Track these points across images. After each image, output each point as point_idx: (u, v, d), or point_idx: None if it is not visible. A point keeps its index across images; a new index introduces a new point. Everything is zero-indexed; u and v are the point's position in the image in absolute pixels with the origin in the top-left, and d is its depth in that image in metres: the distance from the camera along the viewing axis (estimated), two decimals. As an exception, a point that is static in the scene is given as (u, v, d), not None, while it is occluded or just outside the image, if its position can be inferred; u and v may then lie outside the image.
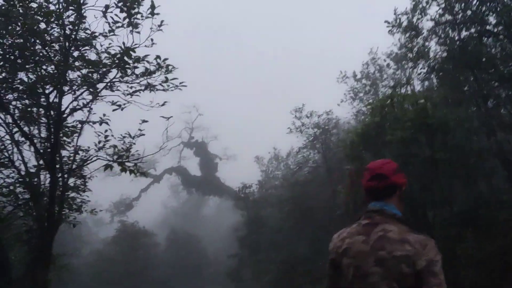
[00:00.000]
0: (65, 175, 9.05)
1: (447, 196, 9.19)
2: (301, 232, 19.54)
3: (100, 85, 8.83)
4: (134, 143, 8.82)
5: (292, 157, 33.74)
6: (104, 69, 8.53)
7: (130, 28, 7.72)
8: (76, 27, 7.95)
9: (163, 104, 8.34)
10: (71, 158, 9.27)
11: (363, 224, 2.12)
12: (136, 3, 7.59)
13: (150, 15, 7.63)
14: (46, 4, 7.69)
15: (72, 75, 8.85)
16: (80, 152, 9.51)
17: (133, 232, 34.57)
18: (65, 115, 8.95)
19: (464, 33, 10.78)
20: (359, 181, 10.92)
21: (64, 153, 9.60)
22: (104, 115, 9.02)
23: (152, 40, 7.77)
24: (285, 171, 33.00)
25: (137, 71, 8.00)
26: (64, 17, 7.74)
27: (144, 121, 8.51)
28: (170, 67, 7.70)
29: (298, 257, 18.10)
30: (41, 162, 9.19)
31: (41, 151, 8.91)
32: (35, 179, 9.28)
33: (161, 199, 70.60)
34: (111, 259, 32.70)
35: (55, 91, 8.70)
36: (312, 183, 20.49)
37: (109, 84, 8.77)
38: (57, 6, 7.80)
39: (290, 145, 34.95)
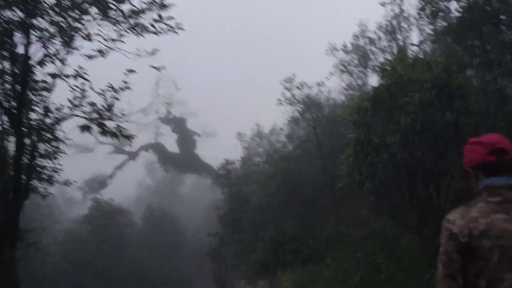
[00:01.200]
0: (34, 138, 7.67)
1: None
2: (289, 209, 18.71)
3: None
4: (118, 99, 7.48)
5: (276, 134, 32.83)
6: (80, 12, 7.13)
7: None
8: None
9: (153, 53, 7.03)
10: (41, 119, 7.86)
11: (496, 202, 1.93)
12: None
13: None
14: None
15: (43, 23, 7.44)
16: (51, 112, 8.10)
17: (107, 210, 33.00)
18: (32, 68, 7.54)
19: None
20: (365, 150, 9.99)
21: (33, 115, 8.20)
22: (80, 67, 7.65)
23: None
24: (268, 148, 32.00)
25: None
26: None
27: (131, 71, 7.18)
28: (165, 2, 6.38)
29: (287, 235, 17.24)
30: (5, 123, 7.78)
31: (6, 110, 7.49)
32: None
33: (137, 177, 68.78)
34: (83, 238, 31.18)
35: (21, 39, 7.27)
36: (301, 157, 19.57)
37: (86, 31, 7.38)
38: None
39: (273, 122, 34.10)
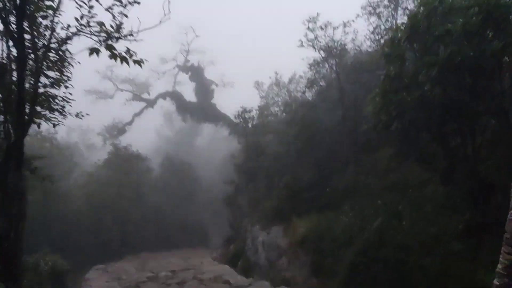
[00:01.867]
0: (38, 53, 7.17)
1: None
2: (306, 157, 18.21)
3: None
4: (126, 16, 6.83)
5: (295, 83, 31.82)
6: None
7: None
8: None
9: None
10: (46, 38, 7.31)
11: None
12: None
13: None
14: None
15: None
16: (56, 32, 7.52)
17: (126, 156, 33.29)
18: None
19: None
20: (395, 88, 9.21)
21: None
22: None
23: None
24: (286, 97, 31.13)
25: None
26: None
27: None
28: None
29: (303, 183, 16.87)
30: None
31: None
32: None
33: (155, 126, 69.25)
34: (103, 182, 31.73)
35: None
36: (321, 104, 18.79)
37: None
38: None
39: (292, 71, 32.96)
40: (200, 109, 43.05)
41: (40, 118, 8.23)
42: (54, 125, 8.67)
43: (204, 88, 44.02)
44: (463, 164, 9.26)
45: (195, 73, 44.06)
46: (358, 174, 16.53)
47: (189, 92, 45.12)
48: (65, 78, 8.11)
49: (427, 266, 8.66)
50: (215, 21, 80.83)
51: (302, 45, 18.12)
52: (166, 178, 40.30)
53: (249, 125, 26.80)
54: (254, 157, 26.06)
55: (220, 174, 49.06)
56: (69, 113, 9.14)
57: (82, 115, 9.62)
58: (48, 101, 8.09)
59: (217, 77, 47.25)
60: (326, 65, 19.13)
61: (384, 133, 14.07)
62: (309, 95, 27.61)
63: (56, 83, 8.21)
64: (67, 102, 8.51)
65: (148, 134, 69.01)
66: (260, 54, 66.29)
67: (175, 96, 44.26)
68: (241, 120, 26.60)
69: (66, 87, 8.45)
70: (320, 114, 18.24)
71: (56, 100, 8.31)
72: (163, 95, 44.59)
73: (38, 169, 9.30)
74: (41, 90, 8.17)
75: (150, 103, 45.04)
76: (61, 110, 8.48)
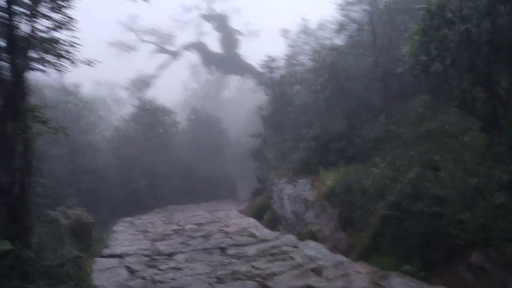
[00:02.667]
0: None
1: None
2: (335, 107, 17.24)
3: None
4: None
5: (323, 30, 30.11)
6: None
7: None
8: None
9: None
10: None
11: None
12: None
13: None
14: None
15: None
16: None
17: (151, 109, 33.12)
18: None
19: None
20: (436, 25, 8.05)
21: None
22: None
23: None
24: (314, 45, 29.55)
25: None
26: None
27: None
28: None
29: (331, 134, 16.04)
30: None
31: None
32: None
33: (181, 79, 68.78)
34: (131, 136, 31.91)
35: None
36: (353, 49, 17.47)
37: None
38: None
39: (321, 17, 31.17)
40: (226, 60, 41.96)
41: (40, 63, 7.66)
42: (59, 71, 8.11)
43: (229, 38, 42.66)
44: (510, 110, 8.19)
45: (220, 22, 42.59)
46: (390, 123, 15.51)
47: (214, 43, 43.96)
48: (66, 20, 7.42)
49: (466, 220, 7.88)
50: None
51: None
52: (192, 131, 40.25)
53: (276, 75, 25.65)
54: (281, 108, 25.21)
55: (247, 127, 48.64)
56: (78, 60, 8.55)
57: (93, 63, 9.00)
58: (49, 45, 7.47)
59: (243, 26, 45.73)
60: (357, 7, 17.56)
61: (421, 77, 12.92)
62: (338, 40, 26.08)
63: (58, 25, 7.53)
64: (73, 46, 7.88)
65: (174, 87, 68.81)
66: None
67: (200, 47, 43.19)
68: (267, 70, 25.46)
69: (70, 29, 7.79)
70: (350, 60, 16.99)
71: (59, 45, 7.67)
72: (187, 46, 43.62)
73: (50, 120, 8.90)
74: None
75: (175, 55, 44.30)
76: (66, 56, 7.87)
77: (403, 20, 15.52)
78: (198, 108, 42.56)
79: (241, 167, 44.48)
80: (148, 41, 44.35)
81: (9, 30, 6.09)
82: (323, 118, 17.20)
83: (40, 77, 30.38)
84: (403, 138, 13.99)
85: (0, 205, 6.38)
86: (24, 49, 6.59)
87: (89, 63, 8.92)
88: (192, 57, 48.36)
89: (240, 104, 68.46)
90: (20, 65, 6.47)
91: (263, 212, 16.93)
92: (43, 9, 7.56)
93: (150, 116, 32.72)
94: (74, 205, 16.54)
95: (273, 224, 15.15)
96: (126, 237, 14.18)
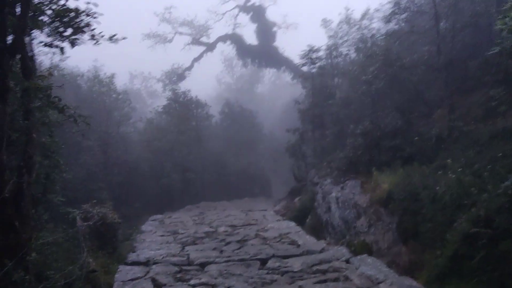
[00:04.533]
0: None
1: None
2: (388, 99, 15.33)
3: None
4: None
5: (369, 19, 27.89)
6: None
7: None
8: None
9: None
10: None
11: None
12: None
13: None
14: None
15: None
16: None
17: (184, 102, 32.04)
18: None
19: None
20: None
21: None
22: None
23: None
24: (359, 35, 27.47)
25: None
26: None
27: None
28: None
29: (384, 130, 14.17)
30: None
31: None
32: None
33: (215, 73, 67.92)
34: (163, 128, 30.98)
35: None
36: (410, 35, 15.44)
37: None
38: None
39: (366, 5, 28.86)
40: (262, 53, 40.35)
41: (39, 28, 6.32)
42: (73, 45, 6.78)
43: (265, 30, 40.98)
44: None
45: (256, 13, 40.97)
46: (454, 119, 13.49)
47: (250, 35, 42.40)
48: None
49: None
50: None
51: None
52: (225, 125, 39.04)
53: (317, 66, 23.84)
54: (321, 102, 23.41)
55: (282, 122, 46.90)
56: (98, 36, 7.19)
57: (116, 39, 7.62)
58: (63, 15, 6.14)
59: (280, 18, 43.90)
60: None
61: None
62: (386, 30, 23.99)
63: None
64: (91, 17, 6.52)
65: (208, 80, 68.01)
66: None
67: (235, 39, 41.75)
68: (308, 61, 23.69)
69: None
70: (406, 46, 15.02)
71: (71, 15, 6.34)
72: (223, 38, 42.27)
73: (68, 108, 7.63)
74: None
75: (210, 47, 43.07)
76: (83, 28, 6.52)
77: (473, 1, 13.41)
78: (232, 102, 41.27)
79: (275, 163, 42.91)
80: (183, 33, 43.38)
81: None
82: (373, 112, 15.30)
83: (75, 66, 30.03)
84: (473, 137, 11.99)
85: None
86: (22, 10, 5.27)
87: (112, 38, 7.54)
88: (227, 50, 47.09)
89: (275, 99, 66.90)
90: (16, 25, 5.13)
91: (304, 215, 15.29)
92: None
93: (183, 109, 31.67)
94: (103, 200, 15.57)
95: (317, 230, 13.49)
96: (154, 238, 12.94)
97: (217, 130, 37.15)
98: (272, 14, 42.66)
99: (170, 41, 43.23)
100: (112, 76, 28.26)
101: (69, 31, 6.98)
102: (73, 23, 6.49)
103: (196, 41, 43.29)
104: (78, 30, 6.78)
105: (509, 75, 12.08)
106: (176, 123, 30.55)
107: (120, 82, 31.32)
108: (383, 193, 11.46)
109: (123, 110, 28.94)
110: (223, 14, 42.50)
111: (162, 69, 44.00)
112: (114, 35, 7.68)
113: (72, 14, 6.52)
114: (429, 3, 14.51)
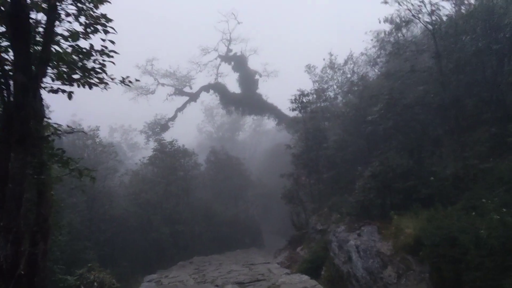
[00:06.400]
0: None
1: None
2: (394, 139, 14.90)
3: None
4: None
5: (352, 64, 28.30)
6: None
7: None
8: None
9: None
10: None
11: None
12: None
13: None
14: None
15: None
16: None
17: (171, 152, 31.05)
18: None
19: None
20: None
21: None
22: None
23: None
24: (343, 79, 27.77)
25: None
26: None
27: None
28: None
29: (395, 171, 13.58)
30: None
31: None
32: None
33: (196, 122, 67.77)
34: (150, 180, 29.67)
35: None
36: (411, 74, 15.33)
37: None
38: None
39: (348, 51, 29.42)
40: (245, 100, 40.34)
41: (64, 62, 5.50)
42: (90, 87, 5.99)
43: (248, 78, 41.28)
44: None
45: (238, 62, 41.40)
46: (468, 157, 13.07)
47: (232, 84, 42.76)
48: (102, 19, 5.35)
49: None
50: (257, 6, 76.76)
51: (385, 2, 14.75)
52: (213, 173, 38.02)
53: (308, 110, 23.61)
54: (315, 145, 22.96)
55: (267, 168, 46.37)
56: (112, 78, 6.44)
57: (130, 81, 6.88)
58: (76, 57, 5.37)
59: (260, 66, 44.53)
60: (413, 27, 15.63)
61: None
62: (372, 73, 24.27)
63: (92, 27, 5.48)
64: (108, 55, 5.78)
65: (190, 130, 67.57)
66: (306, 40, 62.40)
67: (218, 88, 41.78)
68: (299, 105, 23.46)
69: (107, 33, 5.74)
70: (408, 86, 14.86)
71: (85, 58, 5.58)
72: (206, 88, 42.25)
73: (73, 161, 6.68)
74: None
75: (193, 97, 42.85)
76: (98, 70, 5.76)
77: (473, 38, 13.46)
78: (218, 149, 40.55)
79: (264, 210, 41.74)
80: (166, 84, 43.18)
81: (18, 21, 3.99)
82: (381, 153, 14.78)
83: (54, 118, 28.94)
84: (494, 174, 11.51)
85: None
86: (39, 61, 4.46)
87: (125, 81, 6.78)
88: (209, 99, 46.92)
89: (256, 146, 66.73)
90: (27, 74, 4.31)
91: (317, 266, 14.15)
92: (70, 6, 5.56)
93: (171, 159, 30.59)
94: (89, 261, 14.16)
95: (337, 283, 12.39)
96: (157, 305, 11.52)
97: (205, 179, 36.03)
98: (253, 63, 43.37)
99: (153, 92, 42.87)
100: (97, 129, 27.24)
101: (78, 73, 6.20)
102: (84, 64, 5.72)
103: (179, 92, 43.07)
104: (90, 71, 6.00)
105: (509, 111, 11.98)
106: (163, 174, 29.36)
107: (100, 136, 30.10)
108: (409, 239, 10.67)
109: (108, 163, 27.67)
110: (205, 64, 42.86)
111: (144, 120, 43.23)
112: (127, 77, 6.94)
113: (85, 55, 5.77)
114: (427, 41, 14.54)
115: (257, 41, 59.06)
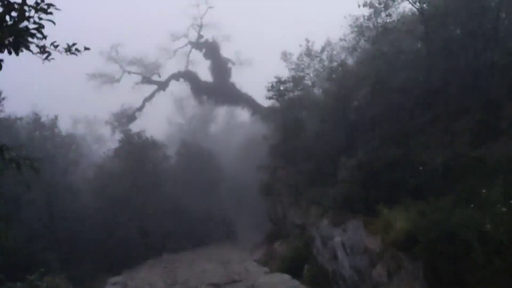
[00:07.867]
0: None
1: None
2: (381, 127, 13.99)
3: None
4: None
5: (329, 51, 27.34)
6: None
7: None
8: None
9: None
10: None
11: None
12: None
13: None
14: None
15: None
16: None
17: (139, 144, 29.26)
18: None
19: None
20: None
21: None
22: None
23: None
24: (320, 68, 26.80)
25: None
26: None
27: None
28: None
29: (381, 162, 12.68)
30: None
31: None
32: None
33: (166, 114, 65.32)
34: (116, 174, 27.82)
35: None
36: (399, 56, 14.38)
37: None
38: None
39: (326, 38, 28.43)
40: (218, 90, 38.83)
41: None
42: (46, 56, 4.62)
43: (220, 66, 39.71)
44: None
45: (210, 49, 39.74)
46: (457, 146, 12.32)
47: (204, 73, 40.86)
48: None
49: None
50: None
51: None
52: (184, 167, 36.32)
53: (286, 98, 22.53)
54: (293, 136, 21.89)
55: (241, 161, 45.05)
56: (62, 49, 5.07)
57: (77, 50, 5.43)
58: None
59: (233, 54, 42.91)
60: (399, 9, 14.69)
61: None
62: (351, 60, 23.43)
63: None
64: (45, 12, 4.43)
65: (159, 122, 65.10)
66: (282, 26, 60.83)
67: (189, 77, 40.01)
68: (275, 93, 22.33)
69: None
70: (396, 68, 13.91)
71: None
72: (176, 76, 40.36)
73: (10, 148, 5.25)
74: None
75: (162, 86, 40.84)
76: (34, 31, 4.40)
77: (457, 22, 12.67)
78: (189, 142, 38.93)
79: (238, 205, 40.52)
80: (132, 72, 40.91)
81: None
82: (365, 143, 13.85)
83: (12, 112, 26.57)
84: (486, 163, 10.76)
85: None
86: None
87: (71, 49, 5.35)
88: (180, 88, 44.87)
89: (229, 138, 65.06)
90: None
91: (299, 264, 13.12)
92: None
93: (139, 152, 28.79)
94: (47, 262, 12.61)
95: (321, 283, 11.39)
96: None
97: (175, 173, 34.39)
98: (225, 51, 41.59)
99: (118, 80, 40.52)
100: (56, 118, 25.15)
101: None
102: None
103: (147, 80, 40.96)
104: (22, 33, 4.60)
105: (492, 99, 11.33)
106: (130, 168, 27.61)
107: (62, 128, 27.86)
108: (399, 234, 9.76)
109: (68, 156, 25.65)
110: (175, 51, 40.94)
111: (109, 111, 40.80)
112: (74, 44, 5.51)
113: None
114: (415, 23, 13.65)
115: (230, 28, 56.89)
